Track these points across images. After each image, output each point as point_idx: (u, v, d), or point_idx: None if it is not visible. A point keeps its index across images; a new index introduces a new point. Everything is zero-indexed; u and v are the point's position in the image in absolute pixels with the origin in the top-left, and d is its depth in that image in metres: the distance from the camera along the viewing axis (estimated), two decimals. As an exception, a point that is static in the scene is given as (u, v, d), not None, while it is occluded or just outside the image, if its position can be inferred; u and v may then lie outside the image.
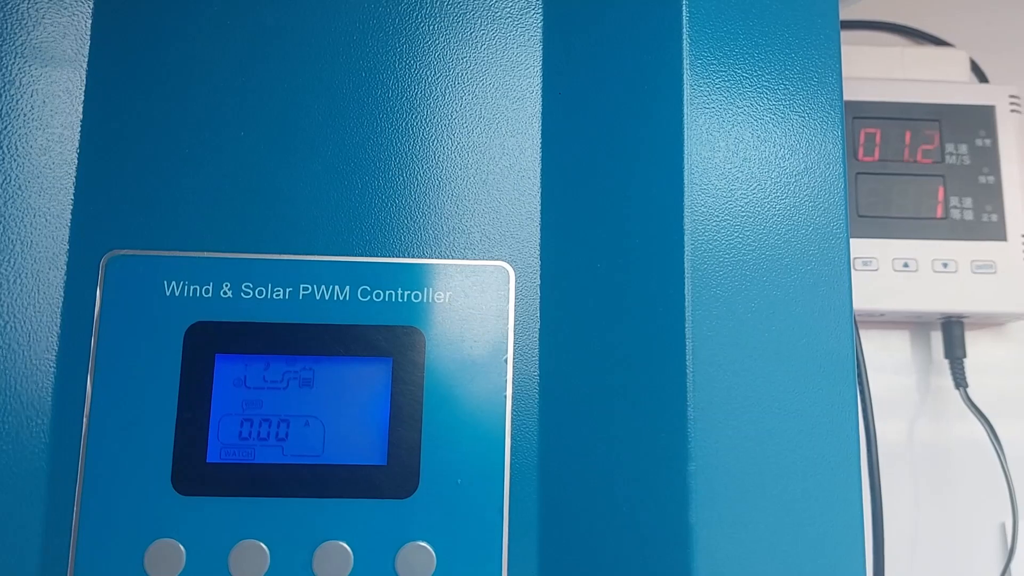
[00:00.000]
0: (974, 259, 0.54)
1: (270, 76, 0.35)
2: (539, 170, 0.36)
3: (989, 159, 0.55)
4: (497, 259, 0.35)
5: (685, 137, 0.35)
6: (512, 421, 0.33)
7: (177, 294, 0.33)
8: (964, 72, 0.59)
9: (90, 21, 0.35)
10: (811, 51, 0.37)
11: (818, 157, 0.36)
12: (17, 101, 0.33)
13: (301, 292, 0.34)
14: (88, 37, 0.35)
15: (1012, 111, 0.56)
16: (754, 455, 0.33)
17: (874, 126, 0.56)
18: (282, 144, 0.35)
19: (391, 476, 0.33)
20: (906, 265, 0.54)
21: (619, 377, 0.33)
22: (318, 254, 0.34)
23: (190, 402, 0.32)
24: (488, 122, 0.36)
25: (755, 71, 0.36)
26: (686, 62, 0.35)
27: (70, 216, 0.34)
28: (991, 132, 0.56)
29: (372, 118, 0.35)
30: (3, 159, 0.33)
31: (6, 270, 0.32)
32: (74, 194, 0.34)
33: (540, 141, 0.36)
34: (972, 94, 0.57)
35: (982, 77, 0.61)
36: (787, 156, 0.36)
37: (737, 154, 0.35)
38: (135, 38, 0.35)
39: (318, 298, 0.34)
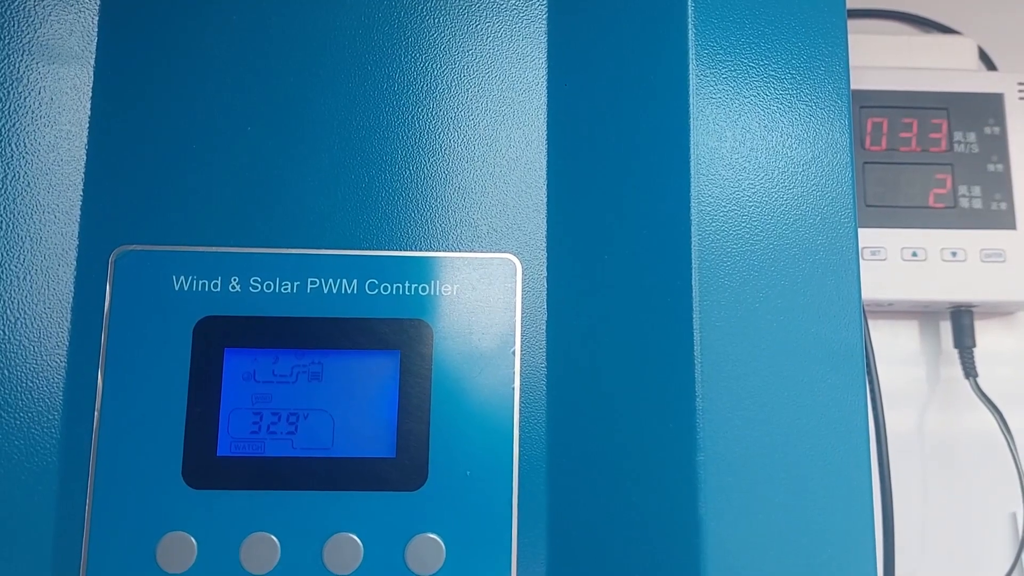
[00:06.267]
0: (983, 248, 0.54)
1: (276, 71, 0.35)
2: (545, 162, 0.36)
3: (998, 147, 0.55)
4: (504, 251, 0.35)
5: (691, 127, 0.35)
6: (520, 413, 0.34)
7: (186, 289, 0.33)
8: (972, 60, 0.59)
9: (97, 18, 0.35)
10: (818, 40, 0.36)
11: (825, 146, 0.36)
12: (25, 98, 0.34)
13: (309, 286, 0.34)
14: (95, 34, 0.35)
15: (1021, 99, 0.56)
16: (763, 446, 0.33)
17: (881, 115, 0.55)
18: (289, 138, 0.35)
19: (400, 468, 0.33)
20: (915, 254, 0.54)
21: (626, 368, 0.33)
22: (326, 248, 0.34)
23: (200, 396, 0.33)
24: (494, 114, 0.36)
25: (761, 60, 0.36)
26: (692, 52, 0.35)
27: (79, 212, 0.34)
28: (1000, 120, 0.55)
29: (378, 112, 0.35)
30: (11, 156, 0.33)
31: (16, 267, 0.33)
32: (83, 190, 0.34)
33: (546, 133, 0.36)
34: (980, 82, 0.56)
35: (990, 65, 0.60)
36: (794, 146, 0.36)
37: (744, 144, 0.35)
38: (142, 34, 0.35)
39: (326, 292, 0.34)
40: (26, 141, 0.33)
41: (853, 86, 0.39)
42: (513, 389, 0.34)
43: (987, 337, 0.58)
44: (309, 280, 0.34)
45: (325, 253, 0.34)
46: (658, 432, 0.33)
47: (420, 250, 0.35)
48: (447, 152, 0.35)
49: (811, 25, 0.36)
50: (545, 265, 0.35)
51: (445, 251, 0.35)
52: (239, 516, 0.32)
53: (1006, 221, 0.54)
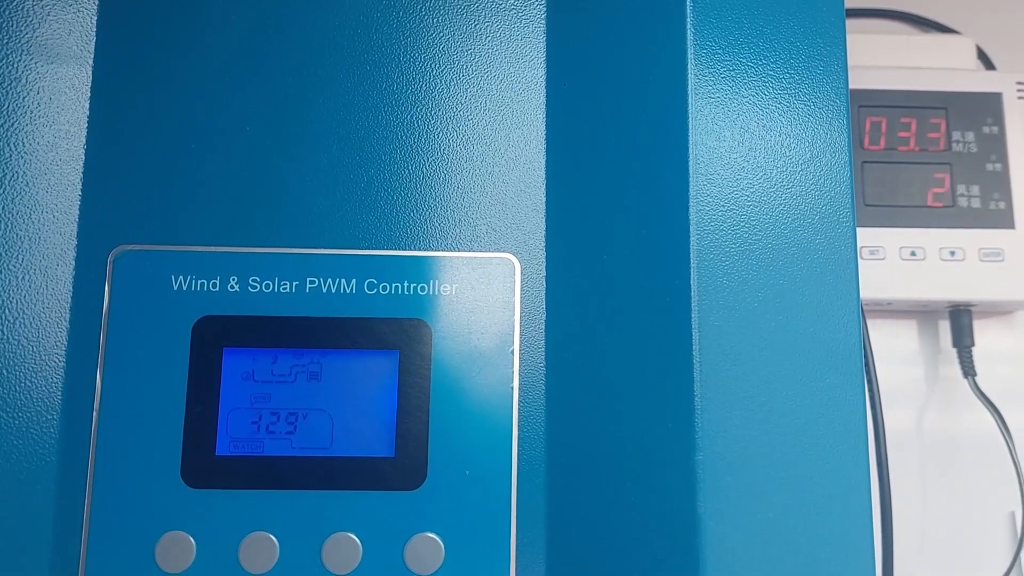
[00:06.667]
0: (982, 247, 0.54)
1: (275, 70, 0.35)
2: (544, 162, 0.36)
3: (996, 146, 0.55)
4: (503, 251, 0.35)
5: (690, 126, 0.35)
6: (519, 412, 0.34)
7: (185, 288, 0.33)
8: (971, 59, 0.59)
9: (95, 17, 0.35)
10: (816, 39, 0.36)
11: (824, 145, 0.36)
12: (24, 98, 0.34)
13: (308, 285, 0.34)
14: (94, 33, 0.35)
15: (1019, 98, 0.56)
16: (762, 445, 0.33)
17: (880, 114, 0.55)
18: (288, 138, 0.35)
19: (399, 468, 0.33)
20: (913, 254, 0.54)
21: (625, 368, 0.33)
22: (324, 247, 0.34)
23: (199, 396, 0.33)
24: (493, 114, 0.36)
25: (760, 60, 0.36)
26: (690, 51, 0.35)
27: (78, 212, 0.34)
28: (998, 119, 0.55)
29: (377, 111, 0.35)
30: (10, 156, 0.33)
31: (15, 267, 0.33)
32: (81, 190, 0.34)
33: (545, 133, 0.36)
34: (979, 81, 0.56)
35: (989, 64, 0.60)
36: (793, 145, 0.36)
37: (742, 143, 0.35)
38: (140, 34, 0.35)
39: (325, 291, 0.34)
40: (25, 141, 0.33)
41: (852, 85, 0.39)
42: (512, 388, 0.34)
43: (986, 336, 0.58)
44: (308, 280, 0.34)
45: (324, 252, 0.34)
46: (657, 431, 0.33)
47: (419, 250, 0.35)
48: (446, 152, 0.35)
49: (810, 24, 0.36)
50: (544, 265, 0.35)
51: (444, 251, 0.35)
52: (238, 515, 0.32)
53: (1005, 220, 0.54)
